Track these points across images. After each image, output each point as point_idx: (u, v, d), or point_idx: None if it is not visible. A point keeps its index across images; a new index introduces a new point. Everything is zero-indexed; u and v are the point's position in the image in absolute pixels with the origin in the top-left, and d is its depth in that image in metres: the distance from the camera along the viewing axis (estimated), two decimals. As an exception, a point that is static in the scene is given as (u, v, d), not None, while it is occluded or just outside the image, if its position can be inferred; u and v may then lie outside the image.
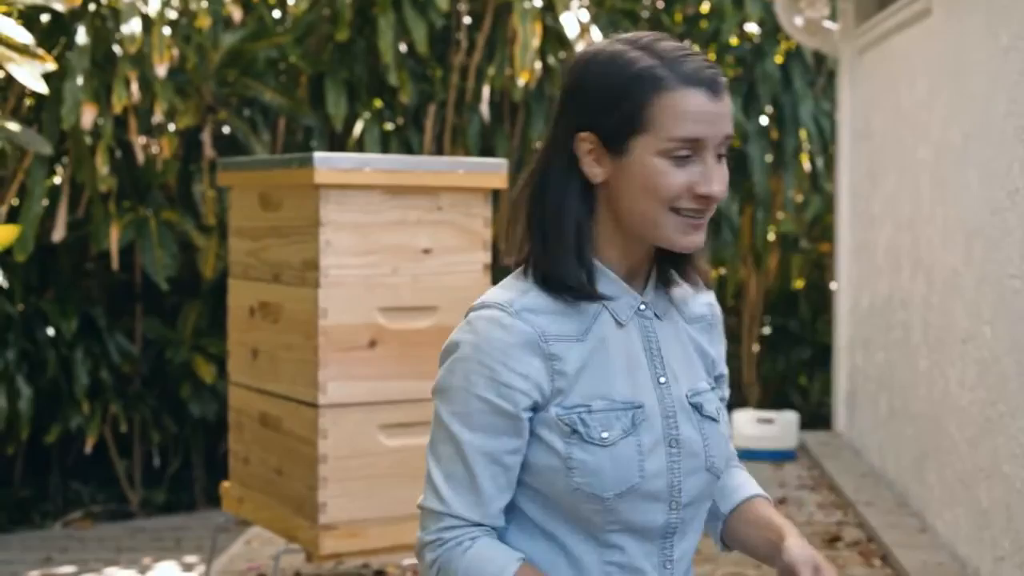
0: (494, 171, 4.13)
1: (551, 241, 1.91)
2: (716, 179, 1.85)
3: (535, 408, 1.87)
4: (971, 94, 4.51)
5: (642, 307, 1.95)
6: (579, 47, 6.61)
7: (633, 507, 1.87)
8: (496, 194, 6.08)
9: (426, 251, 3.99)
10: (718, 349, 2.07)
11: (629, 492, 1.86)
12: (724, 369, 2.09)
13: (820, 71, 8.04)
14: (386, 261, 3.93)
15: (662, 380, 1.94)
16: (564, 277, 1.90)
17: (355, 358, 3.88)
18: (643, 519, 1.87)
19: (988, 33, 4.32)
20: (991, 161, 4.23)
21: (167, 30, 5.96)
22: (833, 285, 7.44)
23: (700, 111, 1.84)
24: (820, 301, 8.18)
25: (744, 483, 2.10)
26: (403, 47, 6.88)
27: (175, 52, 6.17)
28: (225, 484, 4.46)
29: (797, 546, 1.90)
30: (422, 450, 3.89)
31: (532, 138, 7.03)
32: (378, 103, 7.04)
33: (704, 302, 2.06)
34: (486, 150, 6.98)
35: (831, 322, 7.27)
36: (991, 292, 4.18)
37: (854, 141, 6.76)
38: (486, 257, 4.09)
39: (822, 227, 8.14)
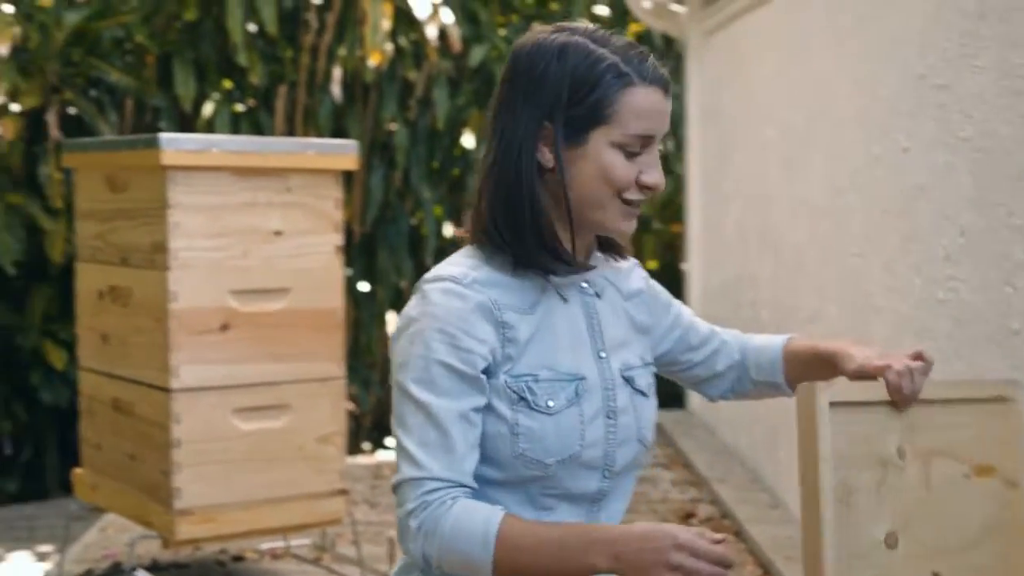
0: (345, 152, 4.12)
1: (522, 224, 1.98)
2: (659, 171, 1.97)
3: (487, 372, 1.94)
4: (814, 76, 4.61)
5: (583, 285, 2.06)
6: (429, 28, 6.62)
7: (571, 474, 1.95)
8: (348, 176, 6.06)
9: (277, 233, 3.97)
10: (662, 316, 2.20)
11: (569, 460, 1.94)
12: (685, 311, 2.25)
13: (668, 54, 8.14)
14: (237, 243, 3.90)
15: (602, 355, 2.03)
16: (538, 256, 1.98)
17: (207, 341, 3.85)
18: (579, 486, 1.96)
19: (829, 16, 4.42)
20: (834, 142, 4.33)
21: (8, 8, 5.83)
22: (685, 265, 7.55)
23: (655, 109, 1.96)
24: (673, 281, 8.27)
25: (765, 340, 2.25)
26: (252, 27, 6.82)
27: (17, 31, 6.04)
28: (78, 471, 4.40)
29: (859, 352, 2.02)
30: (277, 433, 3.93)
31: (384, 119, 7.02)
32: (228, 84, 6.97)
33: (640, 276, 2.18)
34: (338, 131, 6.96)
35: (684, 302, 7.37)
36: (834, 270, 4.28)
37: (703, 122, 6.86)
38: (338, 239, 4.09)
39: (673, 208, 8.25)
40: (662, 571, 1.74)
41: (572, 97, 1.95)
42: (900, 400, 1.94)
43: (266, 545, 4.61)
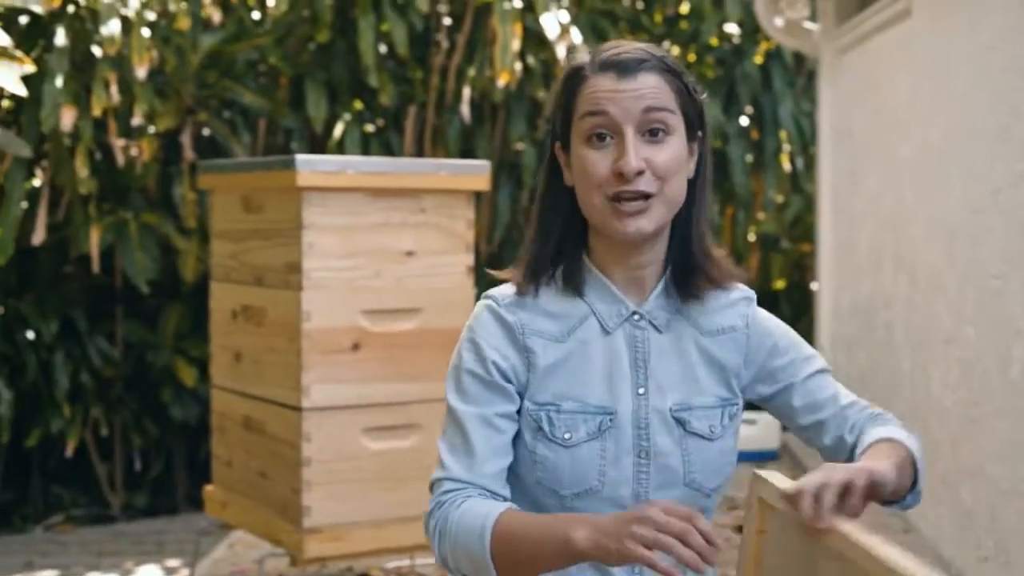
0: (477, 173, 4.12)
1: (537, 242, 2.01)
2: (631, 154, 1.90)
3: (519, 393, 1.97)
4: (952, 93, 4.52)
5: (635, 316, 1.99)
6: (559, 48, 6.61)
7: (593, 508, 1.92)
8: (479, 196, 6.07)
9: (409, 253, 3.98)
10: (761, 359, 2.06)
11: (587, 494, 1.93)
12: (808, 367, 2.08)
13: (800, 72, 8.05)
14: (369, 263, 3.92)
15: (641, 391, 1.97)
16: (539, 272, 2.00)
17: (339, 361, 3.87)
18: None
19: (969, 32, 4.32)
20: (973, 160, 4.23)
21: (146, 32, 5.93)
22: (814, 285, 7.45)
23: (606, 90, 1.93)
24: (801, 301, 8.18)
25: (876, 434, 1.99)
26: (383, 48, 6.87)
27: (154, 54, 6.14)
28: (208, 488, 4.45)
29: (841, 465, 1.81)
30: (406, 453, 3.93)
31: (512, 139, 7.02)
32: (358, 105, 7.03)
33: (739, 313, 2.06)
34: (467, 151, 6.98)
35: (812, 322, 7.28)
36: (973, 292, 4.19)
37: (835, 141, 6.76)
38: (469, 259, 4.09)
39: (803, 227, 8.14)
40: (626, 541, 1.71)
41: (556, 111, 1.99)
42: (809, 525, 1.69)
43: (392, 564, 4.62)
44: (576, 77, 1.97)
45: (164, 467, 6.98)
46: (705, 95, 2.03)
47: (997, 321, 3.94)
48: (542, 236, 2.01)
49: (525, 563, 1.83)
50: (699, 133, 2.01)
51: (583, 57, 1.99)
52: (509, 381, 1.96)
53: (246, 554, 4.91)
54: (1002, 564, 3.80)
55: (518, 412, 1.97)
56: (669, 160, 1.92)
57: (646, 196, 1.92)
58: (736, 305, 2.07)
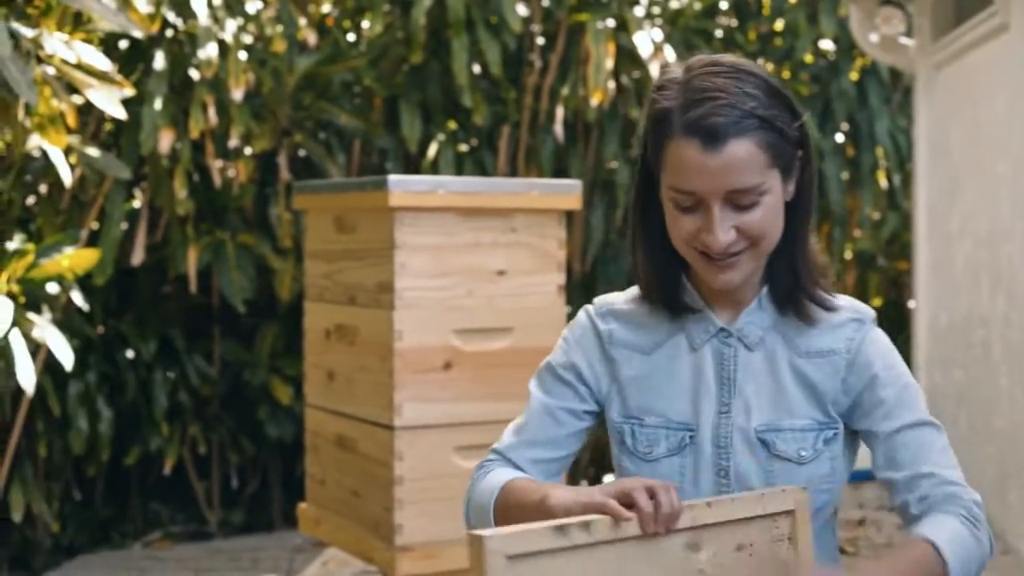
0: (568, 192, 4.13)
1: (635, 259, 2.03)
2: (717, 231, 1.85)
3: (596, 399, 2.03)
4: (1051, 109, 4.46)
5: (723, 333, 1.97)
6: (652, 66, 6.60)
7: None
8: (571, 215, 6.07)
9: (500, 273, 3.99)
10: (859, 390, 1.96)
11: None
12: (895, 421, 1.95)
13: (896, 88, 7.98)
14: (461, 283, 3.94)
15: (724, 409, 1.94)
16: (646, 285, 2.02)
17: (430, 380, 3.89)
18: None
19: (1067, 48, 4.27)
20: (1072, 177, 4.17)
21: (243, 54, 6.01)
22: (911, 303, 7.36)
23: (692, 164, 1.84)
24: (898, 319, 8.09)
25: (922, 531, 1.86)
26: (476, 68, 6.90)
27: (251, 76, 6.22)
28: (302, 505, 4.48)
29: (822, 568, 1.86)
30: (498, 472, 3.92)
31: (606, 158, 7.02)
32: (452, 125, 7.06)
33: (843, 336, 1.98)
34: (560, 171, 6.98)
35: (910, 340, 7.20)
36: (1073, 310, 4.13)
37: (931, 157, 6.69)
38: (560, 278, 4.09)
39: (900, 245, 8.06)
40: (595, 495, 1.74)
41: (643, 138, 1.96)
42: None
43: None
44: (662, 126, 1.88)
45: (260, 484, 7.04)
46: (807, 115, 1.97)
47: (1097, 340, 3.87)
48: (647, 252, 2.01)
49: (513, 519, 1.87)
50: (798, 157, 1.94)
51: (671, 97, 1.88)
52: (586, 384, 2.02)
53: (339, 572, 4.95)
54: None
55: (597, 416, 2.05)
56: (760, 224, 1.88)
57: (737, 252, 1.89)
58: (842, 327, 1.99)
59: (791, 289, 1.96)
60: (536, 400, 2.06)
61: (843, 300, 2.03)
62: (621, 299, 2.06)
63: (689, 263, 1.95)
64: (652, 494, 1.73)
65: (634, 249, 2.01)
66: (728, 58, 1.92)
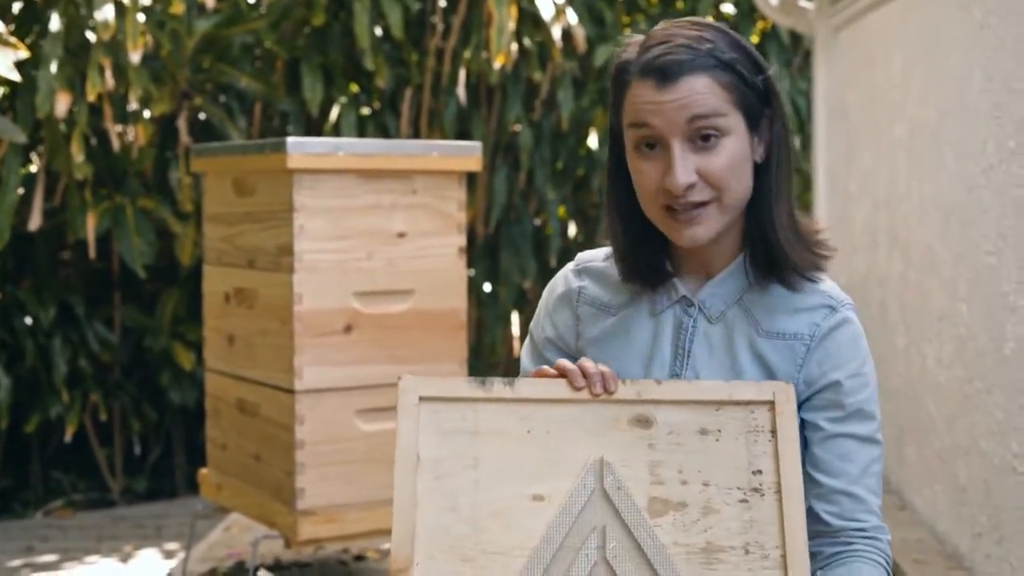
0: (468, 154, 4.12)
1: (607, 225, 2.03)
2: (677, 168, 1.83)
3: (574, 359, 1.99)
4: (945, 71, 4.51)
5: (685, 302, 1.96)
6: (555, 29, 6.60)
7: None
8: (471, 177, 6.06)
9: (401, 235, 3.98)
10: (815, 373, 1.92)
11: None
12: (847, 402, 1.91)
13: (796, 50, 8.04)
14: (361, 245, 3.92)
15: (676, 377, 1.94)
16: (617, 252, 2.02)
17: (331, 343, 3.88)
18: None
19: (962, 9, 4.32)
20: (966, 138, 4.23)
21: (141, 17, 5.92)
22: (812, 264, 7.43)
23: (647, 100, 1.85)
24: (799, 280, 8.18)
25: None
26: (379, 31, 6.86)
27: (149, 39, 6.14)
28: (204, 471, 4.46)
29: None
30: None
31: (509, 121, 7.02)
32: (354, 88, 7.02)
33: (810, 321, 1.92)
34: (463, 133, 6.97)
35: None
36: (967, 269, 4.19)
37: (830, 120, 6.76)
38: (461, 240, 4.09)
39: (801, 205, 8.14)
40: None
41: (611, 106, 1.96)
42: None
43: (387, 545, 4.62)
44: (621, 79, 1.89)
45: (163, 451, 6.99)
46: (774, 68, 1.95)
47: (991, 298, 3.93)
48: (608, 226, 2.02)
49: None
50: (765, 115, 1.91)
51: (630, 52, 1.89)
52: (561, 350, 2.06)
53: (241, 537, 4.93)
54: (996, 540, 3.80)
55: None
56: (723, 166, 1.83)
57: (701, 203, 1.85)
58: (811, 312, 1.93)
59: (775, 258, 1.91)
60: (521, 368, 2.12)
61: (826, 284, 1.96)
62: (601, 255, 2.07)
63: (658, 227, 1.92)
64: (584, 367, 1.85)
65: (609, 216, 2.00)
66: (692, 18, 1.92)
